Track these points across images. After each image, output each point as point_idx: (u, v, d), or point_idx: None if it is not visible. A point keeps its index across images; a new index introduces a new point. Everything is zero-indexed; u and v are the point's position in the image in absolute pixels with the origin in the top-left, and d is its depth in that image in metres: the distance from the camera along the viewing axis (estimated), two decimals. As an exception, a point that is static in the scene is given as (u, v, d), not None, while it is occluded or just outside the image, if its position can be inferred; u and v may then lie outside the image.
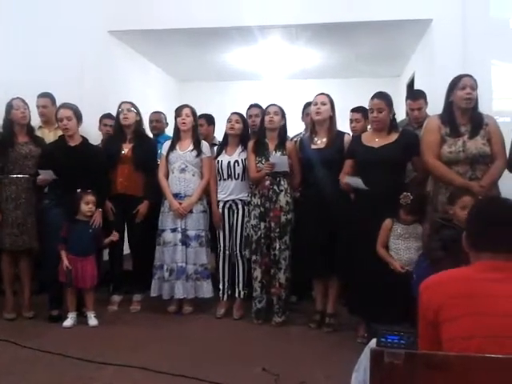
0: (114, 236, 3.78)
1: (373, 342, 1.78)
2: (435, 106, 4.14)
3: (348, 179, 3.40)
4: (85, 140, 3.94)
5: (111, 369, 2.89)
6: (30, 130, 3.92)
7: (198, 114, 4.36)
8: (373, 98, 3.39)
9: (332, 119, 3.69)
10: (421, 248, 3.20)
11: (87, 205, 3.69)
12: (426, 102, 4.11)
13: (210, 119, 4.82)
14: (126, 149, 4.03)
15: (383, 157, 3.28)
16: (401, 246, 3.21)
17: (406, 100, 4.23)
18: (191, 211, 3.95)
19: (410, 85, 6.28)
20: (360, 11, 4.94)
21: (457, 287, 1.43)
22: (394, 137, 3.37)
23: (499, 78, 4.70)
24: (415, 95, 4.19)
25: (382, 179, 3.23)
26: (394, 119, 3.47)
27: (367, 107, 3.50)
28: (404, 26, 5.13)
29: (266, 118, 3.80)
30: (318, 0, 5.01)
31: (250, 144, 3.90)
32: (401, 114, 4.57)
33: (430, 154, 3.19)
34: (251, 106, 4.46)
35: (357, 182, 3.32)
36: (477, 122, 3.16)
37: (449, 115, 3.20)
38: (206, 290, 3.99)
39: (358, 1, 4.94)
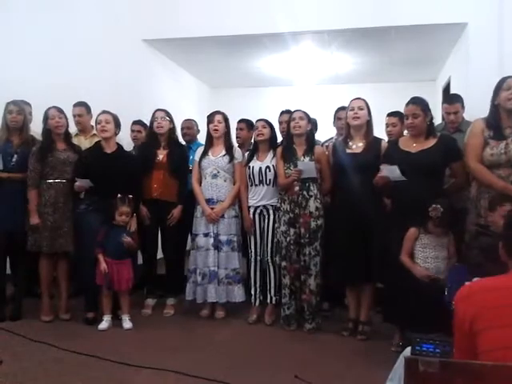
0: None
1: (407, 351, 1.76)
2: (472, 109, 4.08)
3: (384, 168, 3.30)
4: (120, 147, 4.03)
5: (145, 372, 2.94)
6: (67, 137, 4.03)
7: (233, 120, 4.40)
8: (408, 104, 3.36)
9: (369, 124, 3.67)
10: (446, 257, 3.16)
11: (120, 216, 3.78)
12: (462, 106, 4.04)
13: (250, 124, 4.81)
14: (161, 155, 4.10)
15: (421, 162, 3.24)
16: (429, 254, 3.16)
17: (442, 104, 4.18)
18: (223, 216, 3.99)
19: (446, 89, 6.18)
20: (393, 16, 4.88)
21: (493, 297, 1.40)
22: (432, 142, 3.32)
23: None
24: (451, 99, 4.13)
25: (420, 185, 3.17)
26: (432, 124, 3.42)
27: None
28: (439, 29, 5.05)
29: (292, 124, 3.80)
30: (350, 5, 4.98)
31: (279, 150, 3.91)
32: (437, 118, 4.49)
33: (473, 157, 3.13)
34: (282, 113, 4.47)
35: (393, 171, 3.23)
36: None
37: (494, 118, 3.12)
38: (237, 294, 4.01)
39: (390, 5, 4.88)
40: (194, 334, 3.69)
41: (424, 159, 3.24)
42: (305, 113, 3.83)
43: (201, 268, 3.99)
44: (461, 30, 4.98)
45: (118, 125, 3.97)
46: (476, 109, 3.78)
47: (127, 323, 3.78)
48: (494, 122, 3.11)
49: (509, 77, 3.12)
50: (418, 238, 3.19)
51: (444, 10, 4.79)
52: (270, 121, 4.08)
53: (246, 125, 4.73)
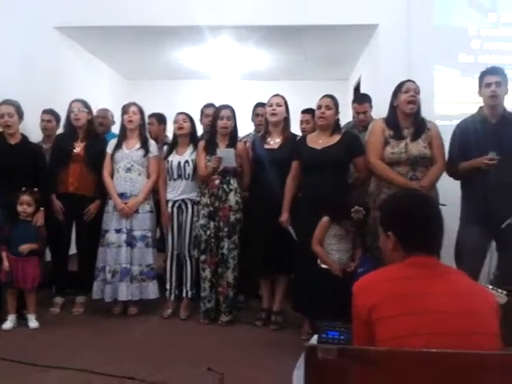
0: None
1: (314, 339, 1.81)
2: (381, 108, 4.25)
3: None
4: (24, 138, 3.82)
5: (53, 372, 2.81)
6: None
7: (148, 112, 4.31)
8: (323, 96, 3.49)
9: (287, 120, 3.75)
10: (350, 249, 3.28)
11: (21, 205, 3.59)
12: (370, 106, 4.23)
13: (160, 118, 4.75)
14: (78, 148, 3.94)
15: (326, 158, 3.36)
16: (333, 246, 3.25)
17: (353, 103, 4.33)
18: (137, 211, 3.90)
19: (357, 88, 6.42)
20: (309, 15, 5.00)
21: (391, 286, 1.44)
22: (336, 138, 3.45)
23: (441, 82, 4.88)
24: (361, 99, 4.31)
25: (325, 180, 3.29)
26: (338, 122, 3.56)
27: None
28: (351, 30, 5.24)
29: (220, 123, 3.79)
30: (268, 2, 5.04)
31: (201, 144, 3.89)
32: (348, 116, 4.66)
33: (374, 154, 3.28)
34: (208, 106, 4.43)
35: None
36: (419, 125, 3.28)
37: (393, 118, 3.31)
38: (151, 290, 3.94)
39: (307, 5, 5.00)
40: (105, 331, 3.59)
41: (329, 155, 3.36)
42: (232, 111, 3.83)
43: (111, 265, 3.86)
44: (372, 31, 5.19)
45: (21, 115, 3.76)
46: (385, 108, 3.95)
47: (33, 322, 3.61)
48: (393, 122, 3.30)
49: (408, 80, 3.32)
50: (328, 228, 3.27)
51: (356, 12, 4.97)
52: (190, 115, 4.04)
53: (157, 119, 4.65)
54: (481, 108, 3.31)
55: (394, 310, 1.38)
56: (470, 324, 1.37)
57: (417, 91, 3.26)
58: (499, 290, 2.14)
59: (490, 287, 2.10)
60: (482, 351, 1.28)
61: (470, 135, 3.25)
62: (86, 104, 4.01)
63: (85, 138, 3.98)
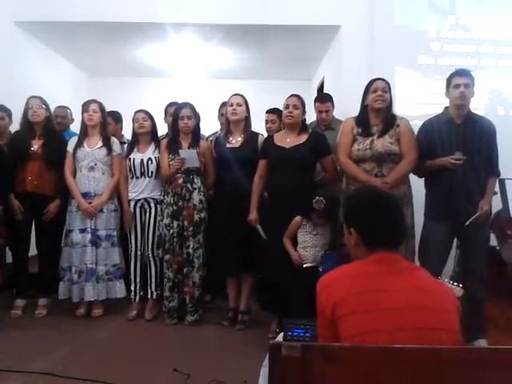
0: None
1: (280, 337, 1.83)
2: (343, 108, 4.33)
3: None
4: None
5: (15, 376, 2.74)
6: None
7: (108, 110, 4.24)
8: (290, 96, 3.52)
9: (247, 119, 3.77)
10: (327, 245, 3.33)
11: None
12: (333, 105, 4.29)
13: (116, 117, 4.62)
14: (36, 145, 3.85)
15: (293, 157, 3.39)
16: (309, 242, 3.31)
17: (315, 102, 4.37)
18: (101, 210, 3.84)
19: (320, 88, 6.48)
20: (273, 15, 5.02)
21: (354, 283, 1.45)
22: (304, 137, 3.49)
23: (402, 83, 4.97)
24: (323, 98, 4.36)
25: (292, 179, 3.33)
26: (305, 121, 3.60)
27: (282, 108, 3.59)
28: (314, 31, 5.28)
29: (181, 123, 3.78)
30: (232, 1, 5.04)
31: (164, 142, 3.87)
32: (312, 116, 4.70)
33: (342, 152, 3.31)
34: (171, 105, 4.40)
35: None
36: (388, 122, 3.27)
37: (363, 117, 3.32)
38: (118, 290, 3.91)
39: (270, 4, 5.02)
40: (69, 334, 3.51)
41: (296, 154, 3.40)
42: (192, 109, 3.81)
43: (77, 265, 3.80)
44: (334, 32, 5.25)
45: None
46: (347, 107, 4.03)
47: (-7, 326, 3.51)
48: (363, 120, 3.32)
49: (377, 79, 3.33)
50: (301, 226, 3.33)
51: (319, 12, 5.02)
52: (150, 112, 4.00)
53: (113, 118, 4.56)
54: (446, 108, 3.36)
55: (356, 307, 1.40)
56: (432, 320, 1.40)
57: (386, 89, 3.26)
58: (455, 284, 2.21)
59: (446, 280, 2.16)
60: (443, 346, 1.30)
61: (435, 135, 3.28)
62: (43, 100, 3.92)
63: (42, 135, 3.90)
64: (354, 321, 1.39)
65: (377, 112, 3.29)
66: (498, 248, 4.18)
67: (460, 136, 3.23)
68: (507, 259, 3.98)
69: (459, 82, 3.21)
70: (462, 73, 3.27)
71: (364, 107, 3.34)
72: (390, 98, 3.30)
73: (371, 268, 1.49)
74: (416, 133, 3.38)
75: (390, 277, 1.46)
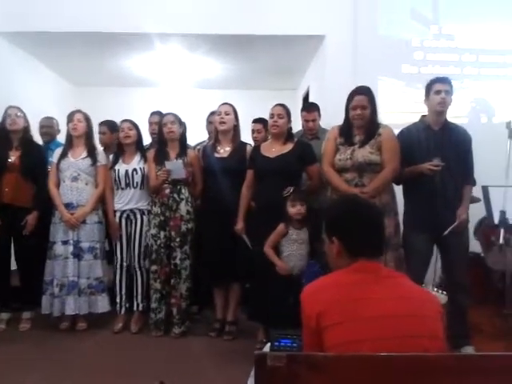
0: None
1: (267, 347, 1.82)
2: (328, 117, 4.35)
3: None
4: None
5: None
6: None
7: (99, 120, 4.21)
8: (275, 105, 3.53)
9: (236, 129, 3.76)
10: (309, 254, 3.31)
11: None
12: (319, 114, 4.30)
13: (112, 126, 4.59)
14: (13, 156, 3.80)
15: (279, 166, 3.39)
16: (295, 252, 3.28)
17: (302, 112, 4.38)
18: (84, 222, 3.79)
19: (306, 98, 6.52)
20: (258, 25, 5.04)
21: (337, 292, 1.45)
22: (289, 146, 3.49)
23: (385, 92, 5.02)
24: (309, 107, 4.37)
25: (279, 188, 3.31)
26: (291, 130, 3.60)
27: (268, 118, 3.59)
28: (299, 41, 5.32)
29: (165, 130, 3.77)
30: (217, 12, 5.05)
31: (151, 153, 3.85)
32: (298, 125, 4.72)
33: (326, 162, 3.32)
34: (153, 114, 4.38)
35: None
36: (370, 132, 3.25)
37: (347, 127, 3.31)
38: (101, 304, 3.83)
39: (256, 15, 5.04)
40: (53, 347, 3.46)
41: (282, 163, 3.40)
42: (175, 116, 3.81)
43: (58, 278, 3.74)
44: (319, 42, 5.29)
45: None
46: (331, 116, 4.05)
47: (-25, 341, 3.45)
48: (346, 129, 3.32)
49: (358, 90, 3.26)
50: (285, 235, 3.29)
51: (304, 23, 5.06)
52: (135, 122, 3.98)
53: (108, 127, 4.54)
54: (423, 116, 3.40)
55: (340, 317, 1.39)
56: (416, 327, 1.40)
57: (365, 106, 3.20)
58: (439, 291, 2.22)
59: (430, 288, 2.18)
60: (428, 353, 1.30)
61: (414, 142, 3.30)
62: (21, 110, 3.88)
63: (20, 146, 3.85)
64: (338, 330, 1.38)
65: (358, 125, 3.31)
66: (482, 255, 4.22)
67: (438, 142, 3.27)
68: (492, 266, 4.01)
69: (440, 88, 3.25)
70: (442, 80, 3.30)
71: (347, 117, 3.35)
72: (374, 107, 3.26)
73: (354, 277, 1.48)
74: None
75: (372, 285, 1.46)
